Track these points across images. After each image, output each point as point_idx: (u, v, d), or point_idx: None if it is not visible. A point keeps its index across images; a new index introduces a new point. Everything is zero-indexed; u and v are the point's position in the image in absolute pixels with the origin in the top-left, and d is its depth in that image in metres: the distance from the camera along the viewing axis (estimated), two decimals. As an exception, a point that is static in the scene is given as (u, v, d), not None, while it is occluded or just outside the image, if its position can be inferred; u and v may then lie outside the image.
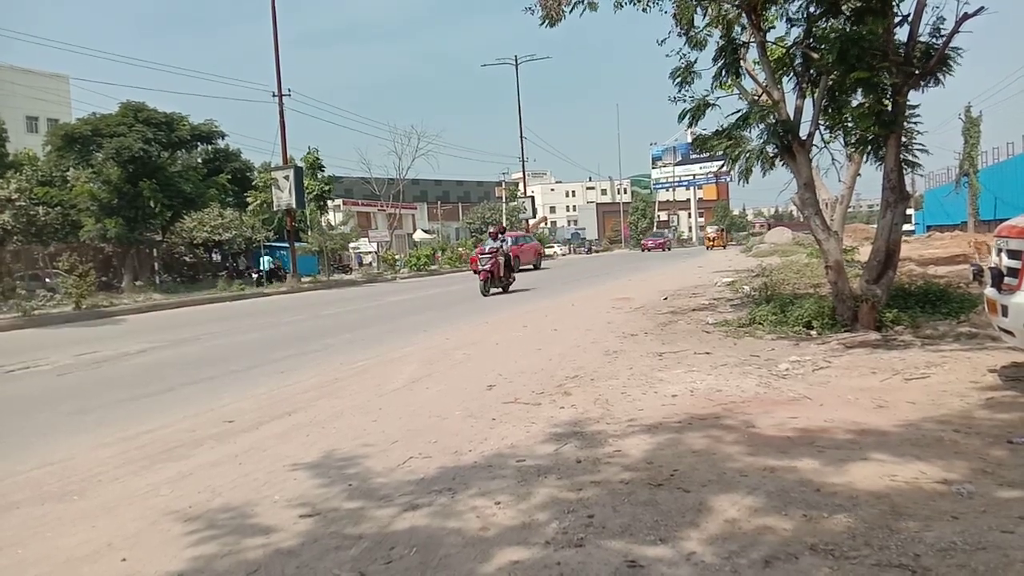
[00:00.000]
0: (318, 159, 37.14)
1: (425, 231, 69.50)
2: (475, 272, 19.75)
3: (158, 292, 26.27)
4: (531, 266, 34.04)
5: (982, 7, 8.00)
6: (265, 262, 31.59)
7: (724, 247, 59.97)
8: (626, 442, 4.73)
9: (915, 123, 9.17)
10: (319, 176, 36.94)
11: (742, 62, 10.21)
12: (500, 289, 19.40)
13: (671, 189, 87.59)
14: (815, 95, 9.35)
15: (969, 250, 20.17)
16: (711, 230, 66.67)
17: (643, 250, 61.44)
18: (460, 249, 47.45)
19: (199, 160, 36.50)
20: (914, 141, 9.23)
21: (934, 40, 8.65)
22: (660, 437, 4.79)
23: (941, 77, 8.65)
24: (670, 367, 7.31)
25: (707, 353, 8.01)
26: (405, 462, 4.64)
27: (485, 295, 18.16)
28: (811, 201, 9.43)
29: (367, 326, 13.48)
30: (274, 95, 30.30)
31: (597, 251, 73.05)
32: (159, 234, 31.05)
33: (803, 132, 9.39)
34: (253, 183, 36.17)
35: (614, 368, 7.47)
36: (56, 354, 11.17)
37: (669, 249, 61.82)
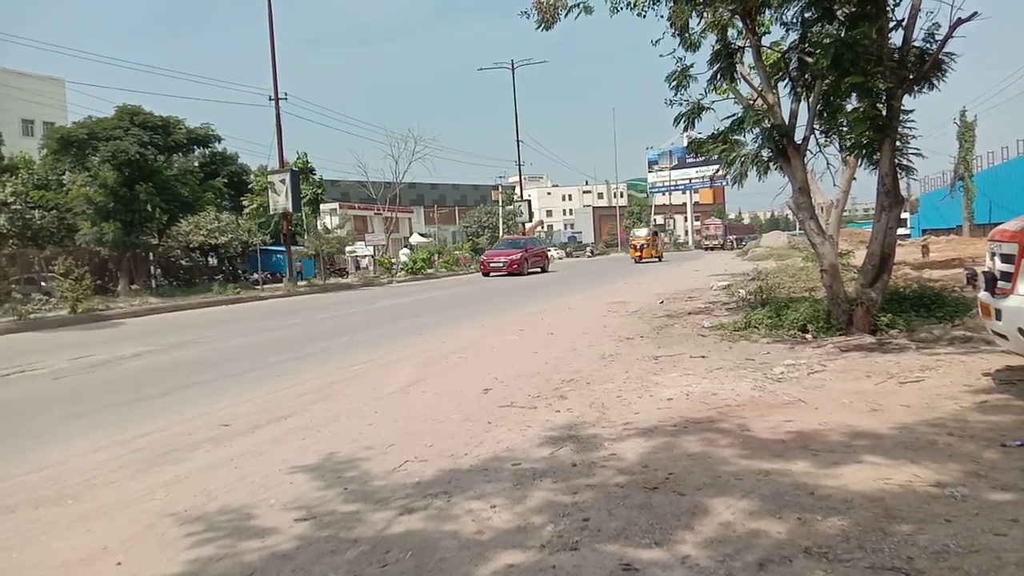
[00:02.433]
0: (308, 163, 37.12)
1: (421, 235, 69.44)
2: None
3: (154, 296, 26.20)
4: None
5: (976, 12, 8.04)
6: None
7: (660, 258, 42.58)
8: (621, 445, 4.74)
9: (910, 127, 9.19)
10: (311, 180, 36.94)
11: (737, 66, 10.24)
12: None
13: (667, 193, 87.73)
14: (810, 99, 9.39)
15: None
16: (640, 234, 44.11)
17: (484, 273, 33.07)
18: (456, 252, 47.47)
19: (196, 164, 36.43)
20: (909, 145, 9.25)
21: (928, 45, 8.69)
22: (655, 440, 4.81)
23: (935, 82, 8.69)
24: (666, 371, 7.32)
25: (703, 357, 8.03)
26: (401, 465, 4.65)
27: None
28: (806, 205, 9.46)
29: (363, 329, 13.47)
30: (270, 99, 30.30)
31: (594, 254, 72.75)
32: (155, 238, 30.96)
33: (798, 136, 9.43)
34: (249, 186, 36.14)
35: (610, 372, 7.48)
36: (52, 358, 11.14)
37: (543, 271, 34.38)
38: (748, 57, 10.45)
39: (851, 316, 8.73)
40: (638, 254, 41.15)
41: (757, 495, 3.67)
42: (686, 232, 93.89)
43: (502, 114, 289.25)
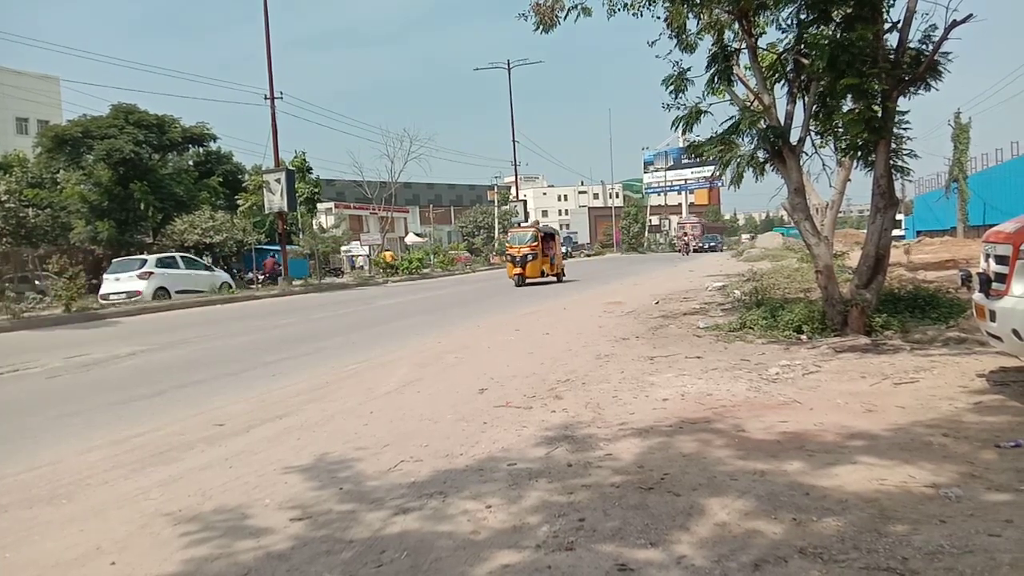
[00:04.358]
0: (305, 162, 37.11)
1: (417, 234, 69.42)
2: None
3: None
4: None
5: (971, 14, 8.08)
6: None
7: (559, 276, 26.31)
8: (617, 446, 4.74)
9: (905, 129, 9.22)
10: (308, 179, 36.94)
11: (734, 68, 10.25)
12: None
13: (663, 194, 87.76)
14: (806, 101, 9.41)
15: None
16: (522, 238, 25.70)
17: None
18: (452, 252, 47.49)
19: (190, 162, 36.43)
20: (904, 147, 9.28)
21: (924, 47, 8.71)
22: (651, 441, 4.81)
23: (931, 83, 8.71)
24: (661, 371, 7.33)
25: (698, 357, 8.03)
26: (396, 465, 4.64)
27: None
28: (801, 206, 9.48)
29: (358, 329, 13.45)
30: (266, 98, 30.26)
31: (589, 255, 72.21)
32: (150, 236, 30.93)
33: (794, 137, 9.45)
34: (244, 185, 36.11)
35: (605, 372, 7.48)
36: (46, 357, 11.10)
37: None
38: (745, 59, 10.47)
39: (846, 317, 8.75)
40: (519, 271, 24.18)
41: (752, 495, 3.67)
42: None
43: (498, 114, 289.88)
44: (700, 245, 66.36)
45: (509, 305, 17.13)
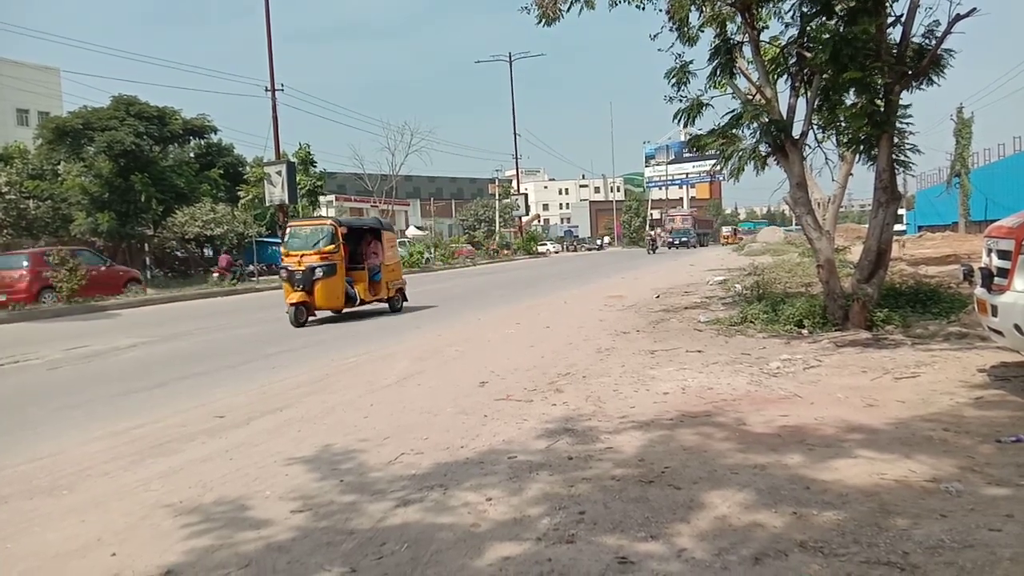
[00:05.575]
0: (310, 154, 37.06)
1: (418, 228, 69.42)
2: None
3: (149, 287, 26.13)
4: None
5: (975, 8, 8.05)
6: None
7: (392, 301, 14.45)
8: (618, 439, 4.74)
9: (907, 123, 9.21)
10: (311, 172, 36.90)
11: (737, 61, 10.22)
12: None
13: (664, 187, 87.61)
14: (808, 94, 9.38)
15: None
16: (300, 236, 13.41)
17: None
18: (453, 246, 47.47)
19: (191, 154, 36.40)
20: (906, 141, 9.27)
21: (927, 41, 8.69)
22: (652, 434, 4.81)
23: (934, 77, 8.69)
24: (662, 365, 7.33)
25: (699, 351, 8.03)
26: (397, 458, 4.64)
27: None
28: (803, 200, 9.47)
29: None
30: (267, 90, 30.17)
31: (590, 249, 71.71)
32: (151, 228, 30.92)
33: (796, 131, 9.43)
34: (245, 178, 36.07)
35: (606, 366, 7.48)
36: (46, 348, 11.10)
37: None
38: (747, 52, 10.44)
39: (847, 312, 8.74)
40: (299, 296, 12.76)
41: (753, 489, 3.68)
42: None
43: (500, 108, 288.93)
44: (671, 241, 56.52)
45: (510, 299, 17.12)
